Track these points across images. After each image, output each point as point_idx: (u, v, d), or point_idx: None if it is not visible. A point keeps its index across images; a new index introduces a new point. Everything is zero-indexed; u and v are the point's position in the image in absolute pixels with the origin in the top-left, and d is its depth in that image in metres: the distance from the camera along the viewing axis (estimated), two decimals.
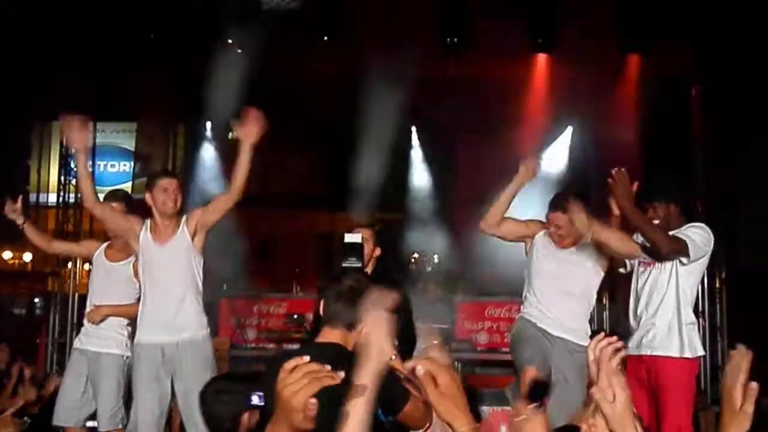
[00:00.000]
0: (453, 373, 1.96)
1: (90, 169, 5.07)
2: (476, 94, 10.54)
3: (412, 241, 12.74)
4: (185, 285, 4.98)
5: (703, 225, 4.82)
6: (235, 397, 2.77)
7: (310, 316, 8.01)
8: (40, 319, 11.28)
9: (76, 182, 5.01)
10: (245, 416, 2.86)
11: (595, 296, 5.28)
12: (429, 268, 12.92)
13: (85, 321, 5.59)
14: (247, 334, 10.55)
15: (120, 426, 5.34)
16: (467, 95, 10.71)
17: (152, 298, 4.96)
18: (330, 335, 2.79)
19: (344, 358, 2.60)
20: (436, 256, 12.86)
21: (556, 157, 12.43)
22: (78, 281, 11.03)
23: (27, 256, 15.36)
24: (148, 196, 4.98)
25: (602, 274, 5.17)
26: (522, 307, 5.30)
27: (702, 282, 9.70)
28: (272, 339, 10.27)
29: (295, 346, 7.75)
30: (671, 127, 10.66)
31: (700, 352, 4.85)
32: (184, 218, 5.04)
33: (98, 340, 5.46)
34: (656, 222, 4.81)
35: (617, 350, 1.86)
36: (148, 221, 5.03)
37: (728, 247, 9.59)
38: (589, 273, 5.16)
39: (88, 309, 5.53)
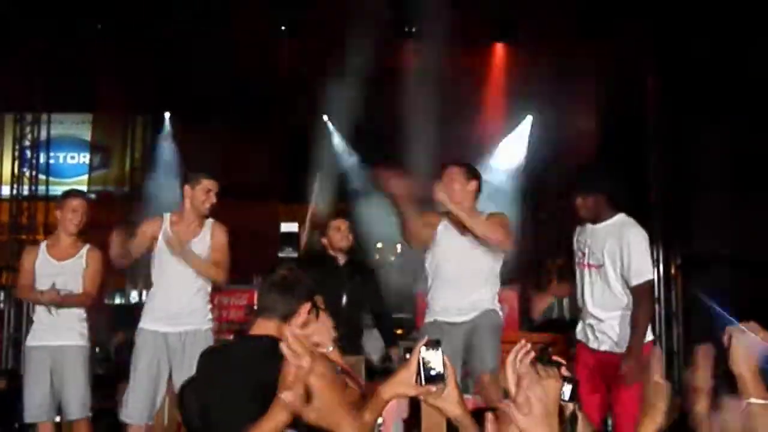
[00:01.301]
0: None
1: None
2: (434, 84, 10.53)
3: (374, 231, 12.74)
4: (199, 280, 5.16)
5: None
6: None
7: None
8: None
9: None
10: None
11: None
12: (392, 258, 12.96)
13: (38, 317, 5.51)
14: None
15: (90, 413, 5.40)
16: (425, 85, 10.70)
17: (165, 288, 5.10)
18: (264, 327, 2.76)
19: (278, 351, 2.58)
20: (399, 246, 12.90)
21: (515, 146, 12.53)
22: None
23: None
24: (187, 189, 5.16)
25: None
26: None
27: (657, 268, 9.85)
28: (232, 330, 10.21)
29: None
30: (628, 115, 10.75)
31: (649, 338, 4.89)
32: (210, 222, 5.27)
33: (59, 333, 5.43)
34: (585, 211, 4.86)
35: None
36: (169, 215, 5.19)
37: (683, 233, 9.73)
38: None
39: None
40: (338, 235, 5.89)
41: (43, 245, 5.52)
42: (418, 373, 2.10)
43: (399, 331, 12.19)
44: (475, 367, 4.91)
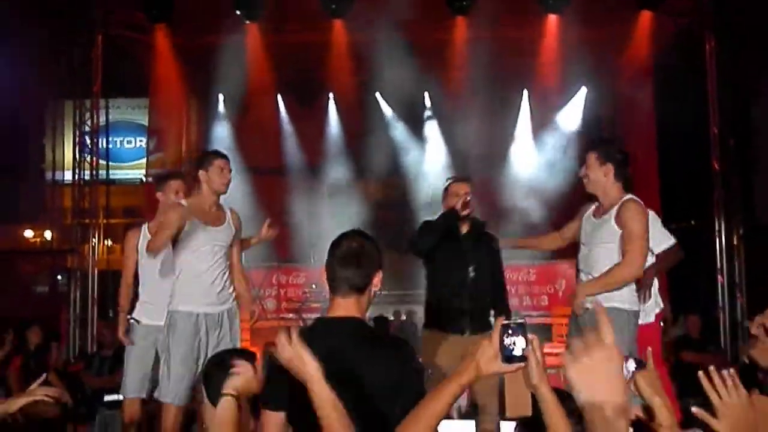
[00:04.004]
0: None
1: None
2: (487, 56, 10.44)
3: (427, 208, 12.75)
4: (226, 260, 5.18)
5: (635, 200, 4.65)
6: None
7: None
8: (63, 296, 11.41)
9: (162, 234, 5.09)
10: None
11: None
12: None
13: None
14: (267, 305, 10.62)
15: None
16: (478, 57, 10.62)
17: (196, 272, 5.08)
18: (343, 306, 2.71)
19: (365, 336, 2.59)
20: None
21: (570, 117, 12.40)
22: (97, 258, 11.17)
23: (48, 234, 15.52)
24: (202, 174, 5.07)
25: None
26: None
27: (720, 238, 9.68)
28: (291, 308, 10.34)
29: (315, 316, 7.72)
30: (685, 83, 10.54)
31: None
32: (229, 210, 5.23)
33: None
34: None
35: None
36: (187, 202, 5.13)
37: (745, 202, 9.53)
38: None
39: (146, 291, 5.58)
40: (459, 200, 5.18)
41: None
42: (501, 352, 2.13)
43: None
44: None
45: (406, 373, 2.59)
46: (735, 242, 9.66)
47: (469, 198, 5.17)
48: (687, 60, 10.50)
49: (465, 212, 5.14)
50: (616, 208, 4.57)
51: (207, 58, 10.97)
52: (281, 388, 2.63)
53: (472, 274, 5.16)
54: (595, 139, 10.07)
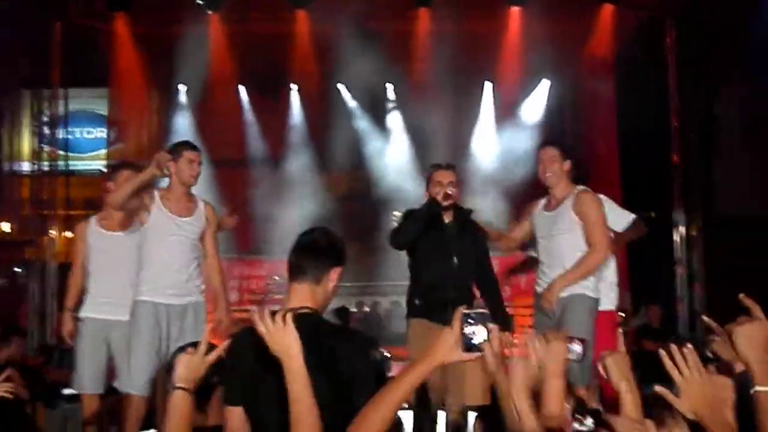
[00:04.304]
0: None
1: None
2: (450, 48, 10.46)
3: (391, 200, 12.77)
4: (194, 252, 5.19)
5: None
6: None
7: None
8: (22, 289, 11.25)
9: (127, 185, 5.04)
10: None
11: None
12: None
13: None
14: (229, 297, 10.55)
15: None
16: (441, 49, 10.64)
17: (161, 262, 5.07)
18: (299, 293, 2.73)
19: (319, 328, 2.59)
20: None
21: (532, 109, 12.47)
22: (57, 249, 11.03)
23: (6, 226, 15.26)
24: (171, 165, 5.07)
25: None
26: None
27: (678, 230, 9.83)
28: (254, 300, 10.29)
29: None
30: (646, 76, 10.66)
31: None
32: (202, 202, 5.26)
33: None
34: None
35: None
36: (157, 192, 5.14)
37: (705, 195, 9.67)
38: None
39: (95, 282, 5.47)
40: (440, 190, 5.11)
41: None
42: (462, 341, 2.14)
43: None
44: None
45: (362, 364, 2.60)
46: (694, 234, 9.81)
47: (452, 188, 5.10)
48: (648, 53, 10.62)
49: (447, 203, 5.08)
50: (570, 199, 4.97)
51: (168, 47, 10.85)
52: (240, 383, 2.63)
53: (456, 264, 5.06)
54: (554, 135, 10.25)
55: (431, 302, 4.96)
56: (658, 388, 1.99)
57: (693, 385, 2.00)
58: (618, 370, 2.29)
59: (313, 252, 2.74)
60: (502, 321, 5.03)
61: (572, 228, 4.94)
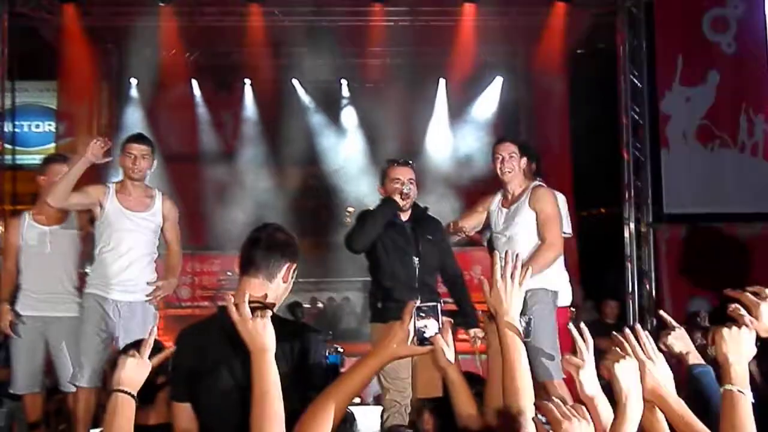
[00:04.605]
0: None
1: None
2: (404, 44, 10.48)
3: (345, 196, 12.76)
4: (147, 249, 5.13)
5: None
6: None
7: None
8: None
9: (61, 179, 4.95)
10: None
11: None
12: None
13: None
14: (181, 293, 10.46)
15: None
16: (396, 44, 10.65)
17: (111, 256, 5.02)
18: (250, 288, 2.71)
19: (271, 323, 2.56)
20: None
21: (486, 106, 12.54)
22: (2, 245, 10.79)
23: None
24: (119, 159, 5.11)
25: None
26: None
27: (628, 226, 9.97)
28: (206, 296, 10.21)
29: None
30: (598, 72, 10.78)
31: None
32: (161, 197, 5.19)
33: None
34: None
35: None
36: (113, 186, 5.11)
37: (655, 190, 9.81)
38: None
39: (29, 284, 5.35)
40: (399, 187, 4.94)
41: None
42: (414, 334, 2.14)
43: None
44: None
45: (313, 357, 2.62)
46: (644, 230, 9.94)
47: (411, 186, 4.94)
48: (600, 50, 10.74)
49: (405, 203, 4.94)
50: (527, 193, 5.06)
51: (119, 40, 10.70)
52: (189, 380, 2.61)
53: (417, 264, 4.89)
54: (508, 132, 10.34)
55: (395, 305, 4.79)
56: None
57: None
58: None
59: (266, 247, 2.73)
60: (469, 317, 5.02)
61: (529, 224, 5.00)
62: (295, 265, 2.78)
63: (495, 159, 5.18)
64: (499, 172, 5.16)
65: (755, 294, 2.31)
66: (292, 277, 2.77)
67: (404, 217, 5.00)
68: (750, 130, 9.59)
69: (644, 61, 10.00)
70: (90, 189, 5.07)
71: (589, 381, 2.17)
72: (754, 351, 2.17)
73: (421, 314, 2.14)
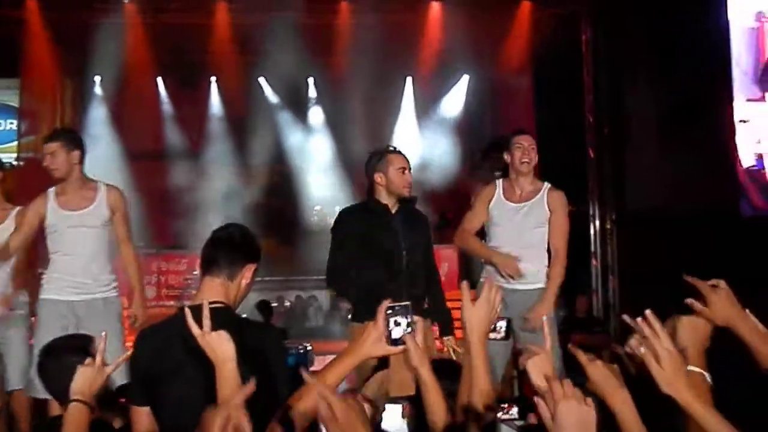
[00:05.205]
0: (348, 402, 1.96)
1: None
2: (371, 42, 10.47)
3: (312, 194, 12.74)
4: (97, 245, 4.98)
5: None
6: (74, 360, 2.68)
7: None
8: None
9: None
10: None
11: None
12: (331, 220, 12.96)
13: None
14: (146, 293, 10.35)
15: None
16: (362, 43, 10.64)
17: (61, 258, 4.93)
18: (210, 288, 2.70)
19: (230, 323, 2.52)
20: (337, 208, 12.90)
21: (452, 106, 12.59)
22: None
23: None
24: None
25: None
26: None
27: (593, 223, 10.07)
28: (172, 296, 10.13)
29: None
30: (562, 71, 10.87)
31: None
32: (104, 190, 5.01)
33: None
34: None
35: None
36: (53, 190, 4.97)
37: (618, 187, 9.92)
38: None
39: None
40: (401, 179, 4.69)
41: None
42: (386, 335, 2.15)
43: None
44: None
45: (276, 357, 2.63)
46: (608, 227, 10.06)
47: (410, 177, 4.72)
48: (565, 49, 10.83)
49: (408, 191, 4.70)
50: (543, 192, 5.09)
51: (83, 36, 10.55)
52: (147, 384, 2.59)
53: (405, 261, 4.60)
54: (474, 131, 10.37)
55: (380, 301, 4.54)
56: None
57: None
58: (537, 371, 2.31)
59: (228, 247, 2.74)
60: (444, 321, 4.83)
61: (545, 221, 5.04)
62: (256, 266, 2.78)
63: (515, 149, 5.08)
64: (518, 162, 5.07)
65: (713, 286, 2.37)
66: (253, 278, 2.76)
67: (393, 209, 4.72)
68: (711, 127, 9.73)
69: (608, 60, 10.11)
70: (29, 212, 4.98)
71: (535, 371, 2.21)
72: (708, 340, 2.24)
73: (393, 314, 2.14)
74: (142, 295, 5.22)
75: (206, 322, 2.32)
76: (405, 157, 4.80)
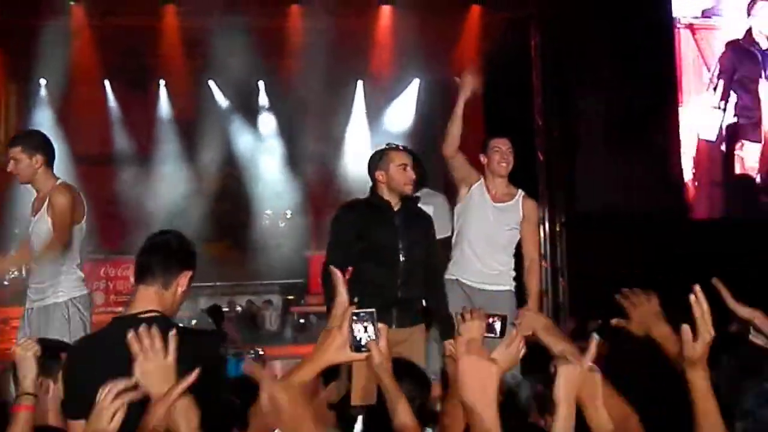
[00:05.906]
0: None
1: None
2: (322, 46, 10.45)
3: (263, 198, 12.68)
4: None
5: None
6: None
7: None
8: None
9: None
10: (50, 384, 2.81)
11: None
12: (282, 224, 12.92)
13: None
14: (95, 299, 10.21)
15: None
16: (313, 46, 10.61)
17: (29, 267, 4.98)
18: (144, 296, 2.66)
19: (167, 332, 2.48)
20: (288, 212, 12.86)
21: (403, 110, 12.63)
22: None
23: None
24: None
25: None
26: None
27: (543, 226, 10.18)
28: (120, 302, 10.00)
29: None
30: (512, 75, 10.96)
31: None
32: (51, 192, 4.78)
33: None
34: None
35: None
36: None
37: (568, 190, 10.04)
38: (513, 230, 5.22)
39: None
40: (402, 176, 4.47)
41: None
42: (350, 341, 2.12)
43: (290, 297, 12.34)
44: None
45: (215, 361, 2.58)
46: (558, 229, 10.17)
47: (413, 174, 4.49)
48: (515, 53, 10.92)
49: (411, 188, 4.50)
50: (518, 198, 5.17)
51: (28, 39, 10.35)
52: (82, 396, 2.52)
53: (402, 259, 4.39)
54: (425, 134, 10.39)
55: (374, 301, 4.24)
56: None
57: None
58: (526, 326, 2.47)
59: (163, 254, 2.67)
60: (446, 325, 4.48)
61: (516, 227, 5.11)
62: (192, 273, 2.73)
63: (493, 152, 5.17)
64: (495, 164, 5.14)
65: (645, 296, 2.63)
66: (189, 285, 2.72)
67: (395, 205, 4.50)
68: (659, 130, 9.90)
69: (557, 64, 10.22)
70: None
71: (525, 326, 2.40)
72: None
73: (358, 320, 2.12)
74: (20, 258, 5.23)
75: (145, 342, 2.24)
76: (407, 154, 4.58)
